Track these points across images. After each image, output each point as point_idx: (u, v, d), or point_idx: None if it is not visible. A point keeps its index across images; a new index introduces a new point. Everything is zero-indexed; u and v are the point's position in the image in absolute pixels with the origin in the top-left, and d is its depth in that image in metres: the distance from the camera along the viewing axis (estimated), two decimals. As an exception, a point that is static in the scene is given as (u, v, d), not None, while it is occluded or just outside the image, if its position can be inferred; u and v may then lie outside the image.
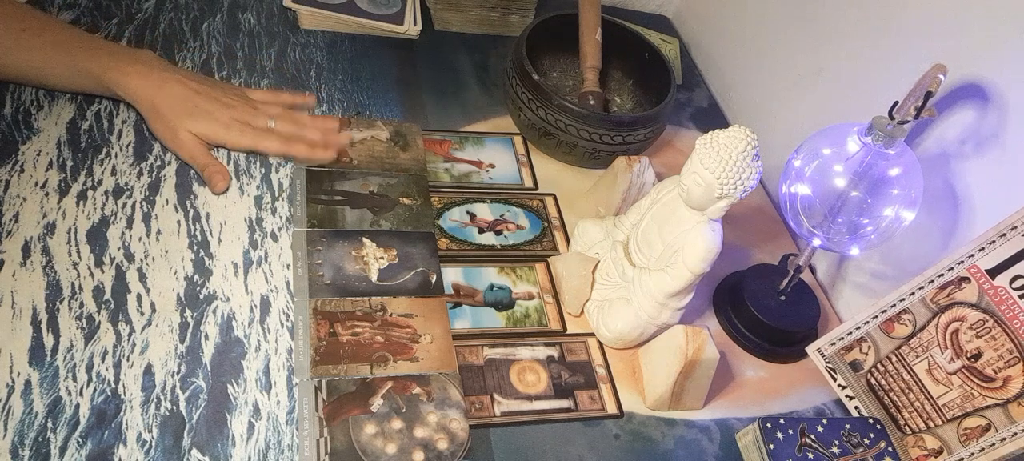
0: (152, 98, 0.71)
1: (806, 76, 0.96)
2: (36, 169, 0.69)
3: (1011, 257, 0.61)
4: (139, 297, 0.63)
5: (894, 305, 0.70)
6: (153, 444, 0.55)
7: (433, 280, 0.73)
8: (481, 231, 0.80)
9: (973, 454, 0.65)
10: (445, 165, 0.86)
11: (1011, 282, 0.61)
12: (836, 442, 0.66)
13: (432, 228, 0.78)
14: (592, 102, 0.89)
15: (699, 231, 0.65)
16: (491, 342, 0.70)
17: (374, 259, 0.73)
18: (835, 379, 0.76)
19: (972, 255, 0.64)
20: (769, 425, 0.66)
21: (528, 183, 0.87)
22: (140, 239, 0.67)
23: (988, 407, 0.63)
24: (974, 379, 0.64)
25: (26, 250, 0.63)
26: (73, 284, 0.62)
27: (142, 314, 0.62)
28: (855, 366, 0.74)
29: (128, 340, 0.60)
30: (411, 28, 0.99)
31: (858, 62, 0.87)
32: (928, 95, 0.60)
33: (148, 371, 0.59)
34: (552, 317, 0.74)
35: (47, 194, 0.67)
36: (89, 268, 0.64)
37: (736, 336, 0.79)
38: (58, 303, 0.61)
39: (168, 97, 0.71)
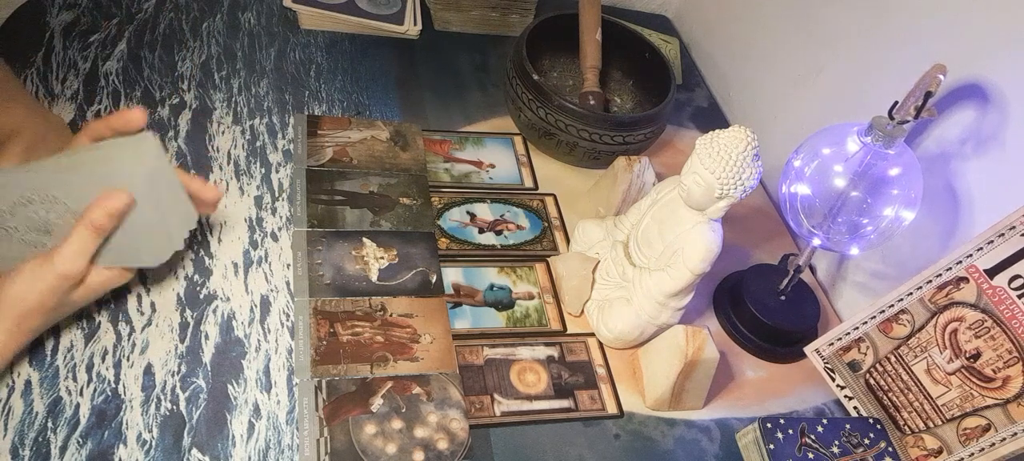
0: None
1: (806, 76, 0.96)
2: (36, 169, 0.69)
3: (1010, 257, 0.61)
4: (139, 297, 0.63)
5: (892, 305, 0.70)
6: (153, 444, 0.55)
7: (433, 280, 0.73)
8: (481, 231, 0.80)
9: (973, 454, 0.65)
10: (445, 165, 0.86)
11: (1010, 282, 0.61)
12: (836, 442, 0.66)
13: (432, 228, 0.78)
14: (592, 102, 0.89)
15: (699, 231, 0.65)
16: (491, 342, 0.70)
17: (374, 259, 0.73)
18: (834, 379, 0.76)
19: (970, 255, 0.64)
20: (769, 425, 0.66)
21: (528, 183, 0.87)
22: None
23: (987, 407, 0.64)
24: (973, 379, 0.64)
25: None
26: (73, 284, 0.62)
27: (142, 314, 0.62)
28: (854, 366, 0.74)
29: (128, 340, 0.60)
30: (411, 28, 0.99)
31: (858, 62, 0.87)
32: (928, 95, 0.60)
33: (148, 371, 0.59)
34: (552, 317, 0.74)
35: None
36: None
37: (736, 336, 0.79)
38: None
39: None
